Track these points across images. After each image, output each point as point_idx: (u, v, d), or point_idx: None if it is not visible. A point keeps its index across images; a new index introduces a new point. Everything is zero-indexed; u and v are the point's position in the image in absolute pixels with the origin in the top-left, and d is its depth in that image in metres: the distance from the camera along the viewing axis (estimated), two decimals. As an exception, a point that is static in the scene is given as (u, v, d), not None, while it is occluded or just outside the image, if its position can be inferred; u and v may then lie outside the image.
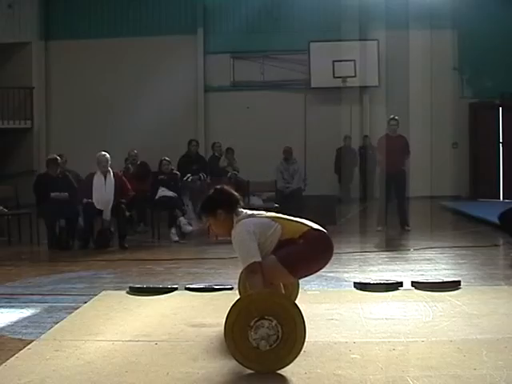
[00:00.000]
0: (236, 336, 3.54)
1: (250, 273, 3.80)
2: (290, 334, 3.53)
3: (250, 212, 4.08)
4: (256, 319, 3.54)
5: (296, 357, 3.55)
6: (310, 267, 3.98)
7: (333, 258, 4.06)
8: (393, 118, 10.16)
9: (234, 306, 3.60)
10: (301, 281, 4.47)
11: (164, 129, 15.19)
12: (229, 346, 3.58)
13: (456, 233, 9.67)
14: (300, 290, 4.63)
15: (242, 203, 4.13)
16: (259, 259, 3.79)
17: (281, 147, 12.26)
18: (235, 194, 4.12)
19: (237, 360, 3.56)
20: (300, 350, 3.56)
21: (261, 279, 3.74)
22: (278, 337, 3.53)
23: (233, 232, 3.95)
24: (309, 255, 3.90)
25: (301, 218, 4.16)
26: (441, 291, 5.41)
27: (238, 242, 3.89)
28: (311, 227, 3.98)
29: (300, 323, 3.55)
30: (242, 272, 4.22)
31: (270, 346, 3.52)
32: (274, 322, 3.53)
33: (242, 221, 3.98)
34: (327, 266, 4.07)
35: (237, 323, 3.55)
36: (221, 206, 4.02)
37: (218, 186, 4.17)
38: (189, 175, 11.18)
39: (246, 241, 3.85)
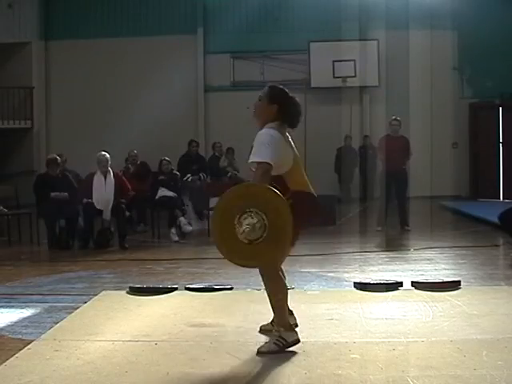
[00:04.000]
0: (225, 236, 3.57)
1: (259, 171, 3.73)
2: (275, 221, 3.51)
3: (283, 130, 3.97)
4: (239, 215, 3.54)
5: (285, 247, 3.54)
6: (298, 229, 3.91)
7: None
8: (395, 119, 10.15)
9: (215, 209, 3.64)
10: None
11: (164, 129, 15.18)
12: (220, 250, 3.62)
13: (456, 233, 9.67)
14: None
15: (290, 127, 4.02)
16: (271, 162, 3.74)
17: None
18: (297, 114, 4.01)
19: (232, 260, 3.61)
20: (288, 239, 3.53)
21: (267, 183, 3.68)
22: (264, 225, 3.52)
23: (262, 130, 3.92)
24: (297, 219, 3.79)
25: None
26: (441, 291, 5.40)
27: (259, 139, 3.86)
28: (303, 190, 3.96)
29: (284, 210, 3.54)
30: None
31: (259, 237, 3.52)
32: (255, 210, 3.52)
33: (274, 128, 3.90)
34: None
35: (223, 224, 3.58)
36: (280, 105, 3.95)
37: (298, 102, 4.03)
38: (189, 175, 11.19)
39: (267, 143, 3.81)
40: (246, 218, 3.53)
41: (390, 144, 9.88)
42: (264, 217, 3.52)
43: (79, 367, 3.64)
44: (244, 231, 3.53)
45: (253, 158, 3.81)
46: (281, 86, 4.09)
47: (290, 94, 4.06)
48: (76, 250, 8.77)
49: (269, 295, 3.95)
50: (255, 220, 3.51)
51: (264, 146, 3.80)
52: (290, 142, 4.03)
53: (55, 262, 7.89)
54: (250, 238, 3.54)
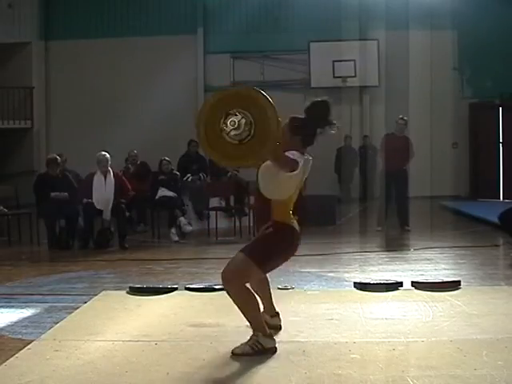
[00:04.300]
0: (213, 141, 3.56)
1: (282, 160, 3.63)
2: (260, 116, 3.48)
3: (302, 157, 3.82)
4: (223, 117, 3.51)
5: (269, 150, 3.49)
6: (275, 262, 3.90)
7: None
8: (401, 118, 10.16)
9: (198, 118, 3.64)
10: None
11: (164, 129, 15.17)
12: (212, 156, 3.63)
13: (456, 233, 9.67)
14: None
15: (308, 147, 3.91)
16: (297, 168, 3.66)
17: (281, 147, 12.23)
18: (310, 137, 3.93)
19: (214, 157, 3.63)
20: (274, 134, 3.48)
21: (287, 163, 3.61)
22: (250, 123, 3.49)
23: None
24: (273, 250, 3.82)
25: (300, 216, 4.10)
26: (441, 291, 5.40)
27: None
28: (283, 221, 3.86)
29: (267, 105, 3.48)
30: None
31: (247, 135, 3.48)
32: (238, 110, 3.48)
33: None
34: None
35: (209, 120, 3.57)
36: (296, 133, 3.88)
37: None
38: (189, 175, 11.19)
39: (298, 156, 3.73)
40: (230, 119, 3.49)
41: (392, 143, 9.88)
42: (248, 114, 3.49)
43: (79, 367, 3.64)
44: (230, 131, 3.49)
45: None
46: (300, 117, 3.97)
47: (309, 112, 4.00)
48: (76, 249, 8.77)
49: (240, 310, 3.88)
50: (239, 117, 3.47)
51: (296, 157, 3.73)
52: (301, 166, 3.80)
53: (55, 261, 7.89)
54: (237, 138, 3.50)
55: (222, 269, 3.84)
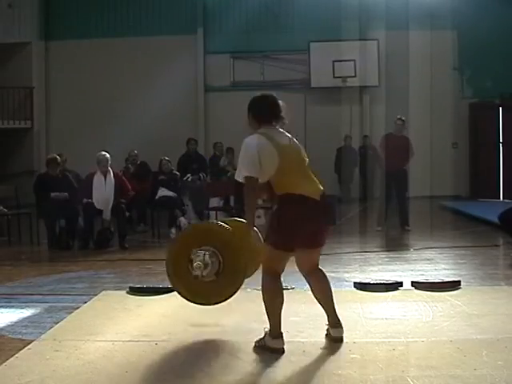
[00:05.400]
0: (178, 270, 3.63)
1: (245, 189, 3.89)
2: (231, 263, 3.55)
3: (271, 131, 3.97)
4: (194, 251, 3.59)
5: (238, 287, 3.58)
6: (289, 236, 3.88)
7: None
8: (399, 118, 10.15)
9: (173, 242, 3.73)
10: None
11: (164, 129, 15.18)
12: (172, 282, 3.68)
13: (456, 233, 9.67)
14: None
15: (277, 122, 4.03)
16: (255, 175, 3.83)
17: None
18: (275, 111, 4.03)
19: (181, 294, 3.66)
20: (241, 280, 3.58)
21: (254, 198, 3.91)
22: (218, 265, 3.57)
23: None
24: (280, 224, 3.85)
25: None
26: (441, 291, 5.40)
27: (240, 155, 3.96)
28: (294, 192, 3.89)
29: (240, 252, 3.57)
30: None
31: (213, 274, 3.60)
32: (212, 249, 3.57)
33: (256, 135, 3.95)
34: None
35: (178, 257, 3.64)
36: (252, 111, 4.04)
37: (268, 96, 4.09)
38: (189, 175, 11.18)
39: (242, 156, 3.92)
40: (198, 255, 3.59)
41: (391, 143, 9.87)
42: (218, 253, 3.59)
43: (79, 367, 3.65)
44: (195, 267, 3.58)
45: (237, 178, 3.96)
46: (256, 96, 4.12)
47: (260, 94, 4.11)
48: (76, 250, 8.77)
49: (263, 303, 3.92)
50: (206, 257, 3.57)
51: (241, 163, 3.94)
52: (279, 144, 3.91)
53: (55, 261, 7.89)
54: (201, 275, 3.58)
55: None
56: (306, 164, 4.05)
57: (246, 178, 3.86)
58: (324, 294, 4.11)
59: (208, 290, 3.55)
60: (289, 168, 3.90)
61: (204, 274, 3.55)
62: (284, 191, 3.90)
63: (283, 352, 3.85)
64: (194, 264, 3.56)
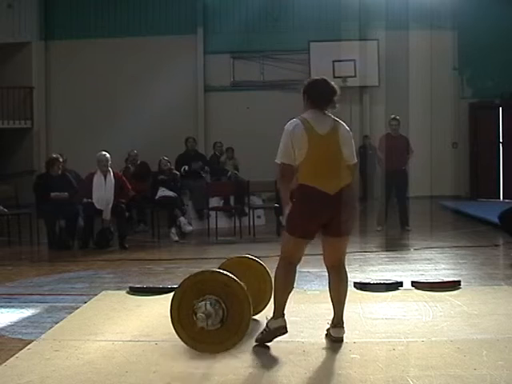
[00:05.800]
0: (182, 319, 3.62)
1: (278, 173, 3.99)
2: (235, 311, 3.56)
3: (315, 117, 4.01)
4: (199, 300, 3.60)
5: (242, 336, 3.58)
6: (302, 226, 3.96)
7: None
8: (393, 118, 10.13)
9: (176, 290, 3.74)
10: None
11: (164, 129, 15.17)
12: (177, 331, 3.66)
13: (456, 233, 9.67)
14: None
15: (326, 107, 4.07)
16: (287, 162, 3.93)
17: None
18: (325, 95, 4.06)
19: (186, 343, 3.65)
20: (246, 328, 3.59)
21: (285, 184, 3.97)
22: (222, 314, 3.58)
23: None
24: (296, 211, 3.94)
25: None
26: (441, 291, 5.40)
27: (282, 135, 4.02)
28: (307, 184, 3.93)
29: (244, 300, 3.58)
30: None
31: (217, 323, 3.58)
32: (215, 298, 3.58)
33: (297, 119, 4.02)
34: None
35: (181, 306, 3.63)
36: (305, 92, 4.10)
37: (318, 81, 4.12)
38: (185, 167, 11.06)
39: (281, 141, 3.99)
40: (201, 306, 3.60)
41: (389, 143, 9.86)
42: (221, 302, 3.61)
43: (79, 367, 3.64)
44: (199, 318, 3.59)
45: (276, 160, 4.01)
46: (310, 79, 4.22)
47: (315, 78, 4.18)
48: (76, 250, 8.77)
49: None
50: (213, 310, 3.58)
51: (279, 148, 4.00)
52: (314, 133, 3.94)
53: (55, 261, 7.89)
54: (206, 325, 3.60)
55: None
56: (342, 156, 4.01)
57: (279, 164, 3.96)
58: (338, 295, 4.17)
59: (214, 338, 3.62)
60: (315, 159, 3.93)
61: (209, 323, 3.58)
62: (302, 181, 3.95)
63: (286, 331, 3.94)
64: (198, 315, 3.59)
